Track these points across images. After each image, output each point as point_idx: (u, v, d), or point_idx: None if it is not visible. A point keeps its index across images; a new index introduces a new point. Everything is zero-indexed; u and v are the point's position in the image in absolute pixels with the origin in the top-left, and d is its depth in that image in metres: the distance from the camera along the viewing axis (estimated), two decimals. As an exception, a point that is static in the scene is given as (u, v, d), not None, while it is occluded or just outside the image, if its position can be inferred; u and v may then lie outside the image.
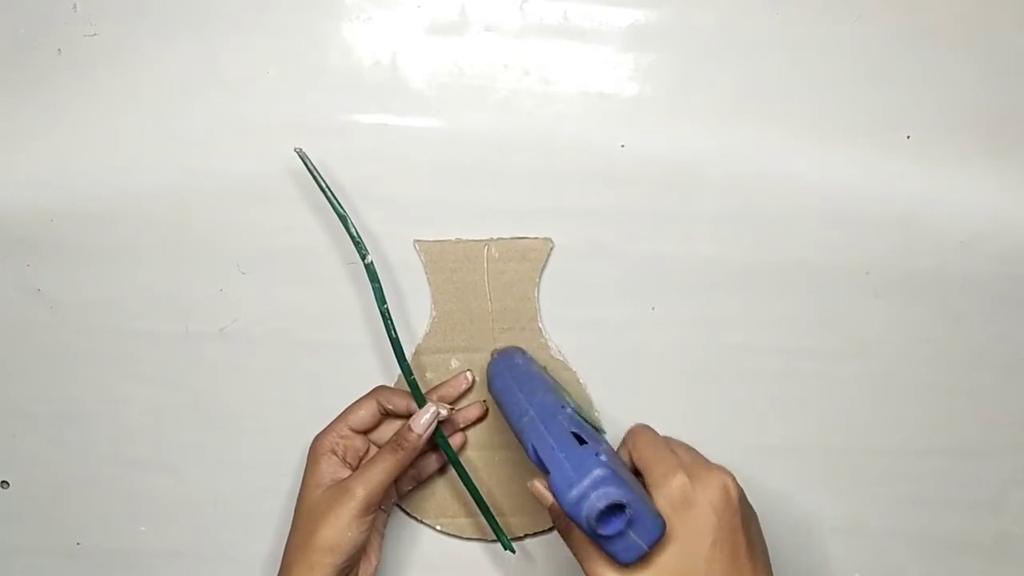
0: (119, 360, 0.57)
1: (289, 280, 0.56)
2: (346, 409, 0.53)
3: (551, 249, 0.56)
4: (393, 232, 0.55)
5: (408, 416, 0.52)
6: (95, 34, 0.54)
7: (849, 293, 0.56)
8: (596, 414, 0.57)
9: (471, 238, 0.56)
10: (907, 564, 0.59)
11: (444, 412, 0.52)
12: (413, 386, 0.52)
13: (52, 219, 0.55)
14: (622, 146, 0.55)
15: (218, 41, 0.54)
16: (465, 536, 0.58)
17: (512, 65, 0.55)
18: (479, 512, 0.55)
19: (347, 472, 0.51)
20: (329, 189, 0.51)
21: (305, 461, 0.52)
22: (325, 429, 0.53)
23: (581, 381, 0.57)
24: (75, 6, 0.54)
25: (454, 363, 0.57)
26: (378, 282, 0.51)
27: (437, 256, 0.56)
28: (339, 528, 0.49)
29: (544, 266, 0.56)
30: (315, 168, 0.51)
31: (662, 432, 0.57)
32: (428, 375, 0.57)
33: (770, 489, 0.58)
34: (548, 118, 0.55)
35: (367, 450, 0.54)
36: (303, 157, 0.51)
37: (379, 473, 0.50)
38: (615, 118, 0.55)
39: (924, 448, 0.58)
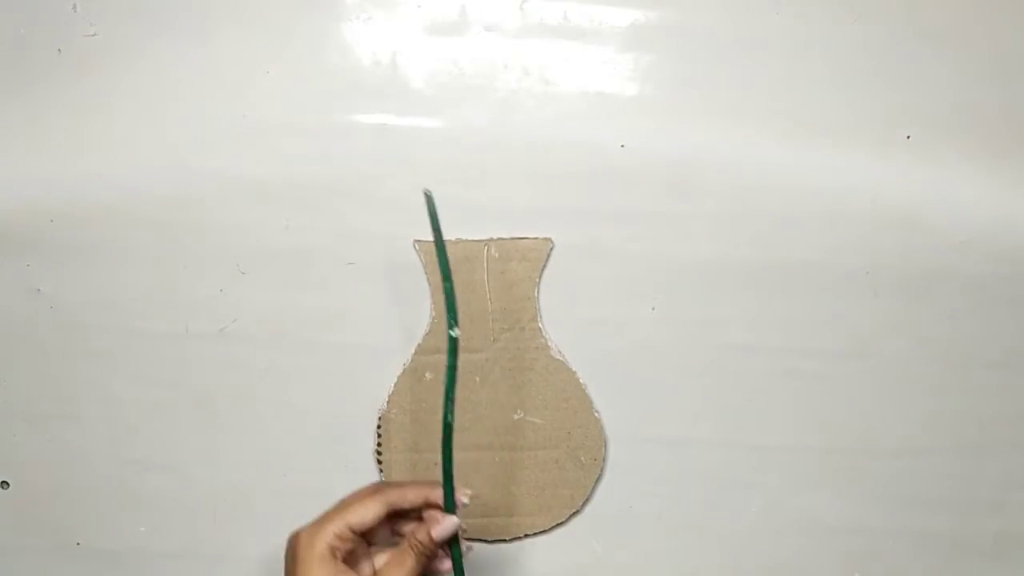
0: (119, 360, 0.57)
1: (289, 280, 0.56)
2: (343, 506, 0.47)
3: (551, 249, 0.56)
4: (393, 232, 0.55)
5: (416, 510, 0.49)
6: (95, 34, 0.54)
7: (849, 293, 0.56)
8: (596, 414, 0.57)
9: (471, 238, 0.56)
10: (907, 564, 0.59)
11: (463, 527, 0.48)
12: (447, 480, 0.48)
13: (52, 219, 0.55)
14: (622, 146, 0.55)
15: (218, 41, 0.54)
16: (464, 536, 0.58)
17: (512, 65, 0.55)
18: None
19: None
20: (442, 246, 0.47)
21: (289, 553, 0.47)
22: (316, 526, 0.47)
23: (581, 381, 0.57)
24: (75, 6, 0.54)
25: None
26: (455, 357, 0.47)
27: (435, 256, 0.55)
28: None
29: (544, 266, 0.56)
30: (436, 219, 0.47)
31: (664, 432, 0.57)
32: (428, 375, 0.57)
33: (770, 489, 0.59)
34: (548, 118, 0.55)
35: (365, 552, 0.49)
36: (430, 200, 0.47)
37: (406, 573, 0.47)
38: (615, 118, 0.55)
39: (924, 448, 0.58)
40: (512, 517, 0.58)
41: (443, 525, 0.47)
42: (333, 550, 0.46)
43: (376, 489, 0.48)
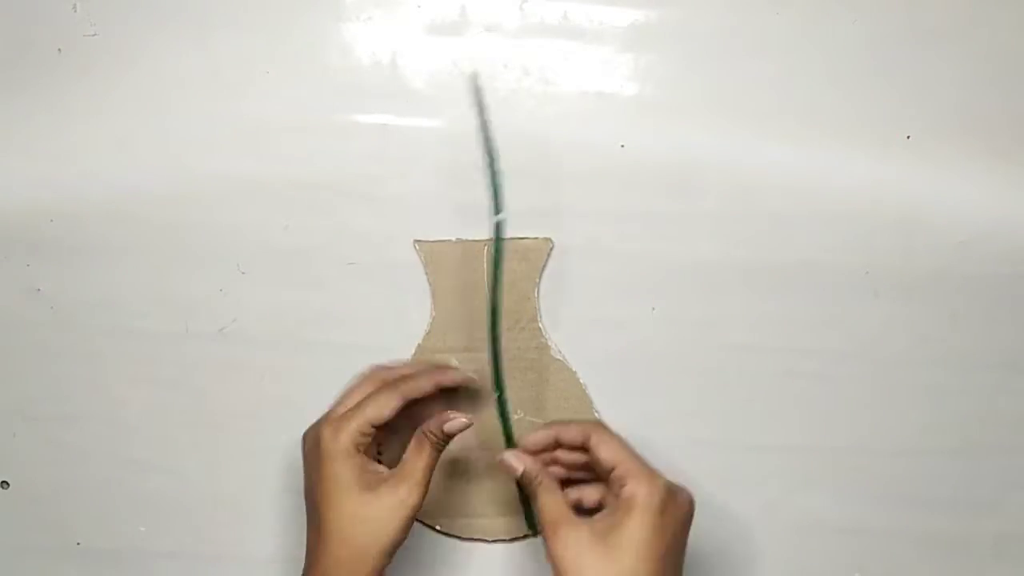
0: (119, 360, 0.57)
1: (289, 280, 0.56)
2: (362, 403, 0.50)
3: (551, 249, 0.56)
4: (393, 232, 0.55)
5: (428, 395, 0.51)
6: (95, 34, 0.54)
7: (849, 293, 0.56)
8: (596, 414, 0.57)
9: (471, 238, 0.55)
10: (907, 564, 0.59)
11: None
12: (496, 362, 0.52)
13: (52, 219, 0.55)
14: (622, 146, 0.55)
15: (218, 41, 0.54)
16: (465, 536, 0.58)
17: (512, 65, 0.55)
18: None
19: (379, 471, 0.50)
20: (489, 135, 0.50)
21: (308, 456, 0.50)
22: (338, 422, 0.49)
23: (581, 381, 0.57)
24: (75, 6, 0.54)
25: (454, 362, 0.57)
26: (501, 241, 0.51)
27: (437, 256, 0.56)
28: (397, 531, 0.48)
29: (544, 266, 0.56)
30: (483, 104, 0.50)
31: (664, 432, 0.57)
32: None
33: (770, 489, 0.59)
34: (548, 118, 0.55)
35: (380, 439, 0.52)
36: (478, 87, 0.50)
37: (427, 472, 0.49)
38: (615, 118, 0.55)
39: (924, 448, 0.58)
40: (514, 516, 0.58)
41: (458, 421, 0.50)
42: (357, 445, 0.49)
43: (388, 383, 0.51)
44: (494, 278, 0.52)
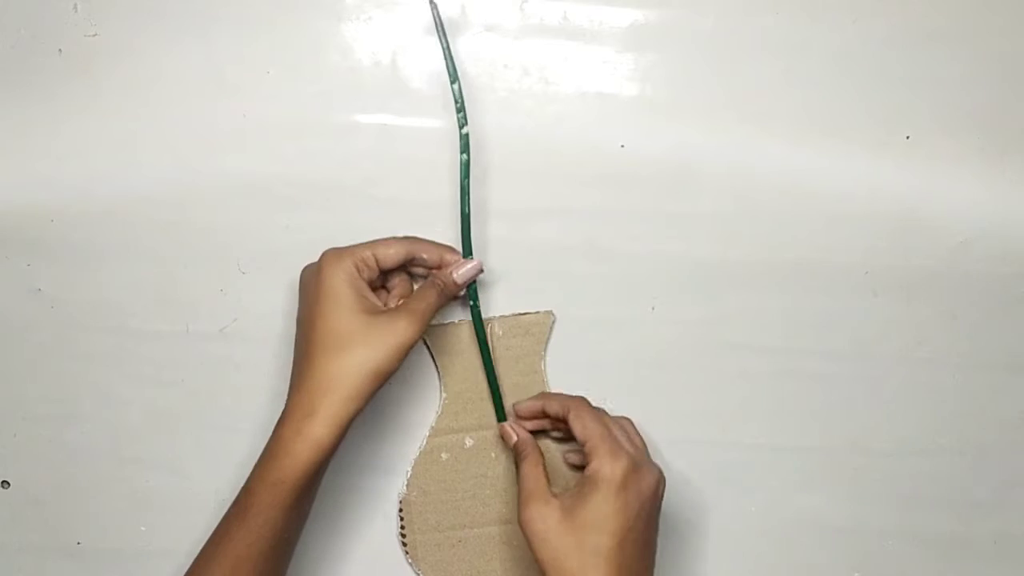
0: (119, 360, 0.57)
1: (289, 280, 0.56)
2: (373, 241, 0.51)
3: (553, 322, 0.56)
4: (393, 232, 0.55)
5: (436, 268, 0.52)
6: (96, 34, 0.54)
7: (849, 293, 0.56)
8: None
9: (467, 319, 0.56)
10: (907, 564, 0.59)
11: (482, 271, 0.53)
12: (466, 228, 0.53)
13: (52, 219, 0.55)
14: (622, 146, 0.55)
15: (218, 41, 0.54)
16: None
17: (512, 65, 0.55)
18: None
19: (376, 301, 0.50)
20: (448, 46, 0.51)
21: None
22: (346, 249, 0.50)
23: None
24: (75, 6, 0.54)
25: (468, 442, 0.57)
26: (467, 153, 0.52)
27: (441, 340, 0.56)
28: (390, 357, 0.48)
29: (548, 339, 0.56)
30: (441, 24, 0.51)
31: (664, 432, 0.57)
32: (444, 456, 0.57)
33: (770, 489, 0.59)
34: (548, 118, 0.55)
35: (381, 285, 0.53)
36: (434, 8, 0.51)
37: (429, 312, 0.50)
38: (615, 118, 0.55)
39: (924, 448, 0.58)
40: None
41: (466, 267, 0.52)
42: (359, 270, 0.49)
43: (404, 238, 0.52)
44: (464, 174, 0.53)
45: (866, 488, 0.59)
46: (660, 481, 0.50)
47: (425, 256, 0.52)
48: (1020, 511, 0.59)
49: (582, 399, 0.53)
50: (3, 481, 0.59)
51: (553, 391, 0.57)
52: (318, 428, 0.47)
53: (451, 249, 0.53)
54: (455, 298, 0.54)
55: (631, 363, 0.57)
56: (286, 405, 0.49)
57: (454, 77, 0.52)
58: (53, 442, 0.58)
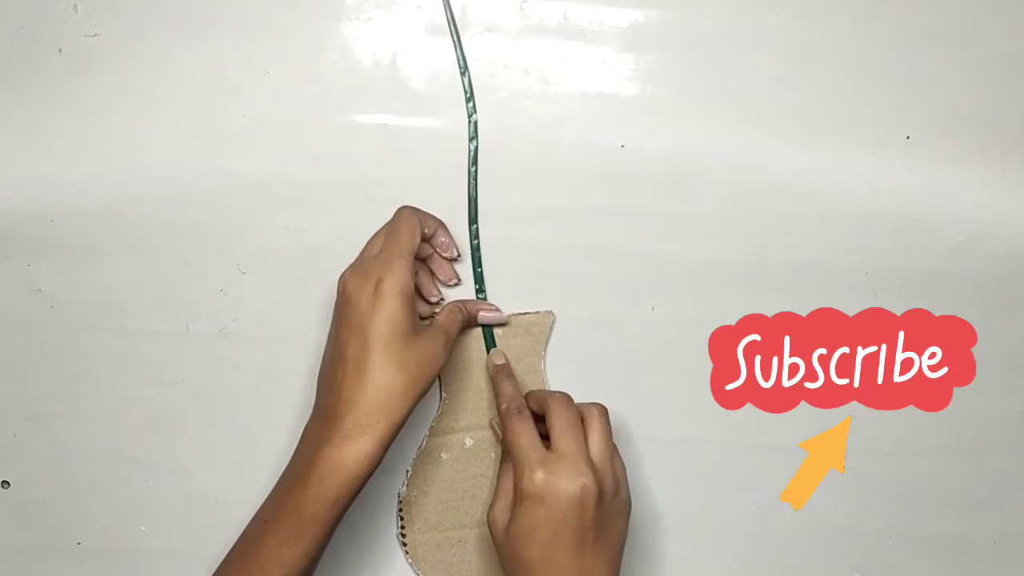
0: (119, 360, 0.57)
1: (289, 280, 0.56)
2: (401, 254, 0.50)
3: (553, 322, 0.56)
4: (393, 232, 0.55)
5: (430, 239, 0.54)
6: (96, 34, 0.54)
7: (849, 293, 0.56)
8: None
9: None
10: (907, 564, 0.59)
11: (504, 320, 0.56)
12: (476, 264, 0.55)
13: (52, 219, 0.55)
14: (622, 146, 0.55)
15: (218, 41, 0.54)
16: None
17: (512, 65, 0.55)
18: None
19: (419, 318, 0.51)
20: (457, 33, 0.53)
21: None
22: (403, 267, 0.49)
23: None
24: (75, 6, 0.54)
25: (468, 442, 0.57)
26: (476, 141, 0.54)
27: None
28: (431, 378, 0.49)
29: (548, 339, 0.56)
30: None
31: (664, 432, 0.57)
32: (443, 456, 0.57)
33: (770, 488, 0.58)
34: (548, 118, 0.55)
35: None
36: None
37: (454, 340, 0.52)
38: (615, 118, 0.55)
39: (924, 448, 0.58)
40: None
41: (492, 314, 0.55)
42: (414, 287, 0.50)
43: (416, 263, 0.52)
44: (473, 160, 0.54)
45: (866, 488, 0.59)
46: (585, 488, 0.47)
47: (427, 230, 0.53)
48: (1020, 511, 0.59)
49: (561, 396, 0.52)
50: (3, 481, 0.59)
51: (550, 391, 0.57)
52: (372, 447, 0.47)
53: (440, 223, 0.54)
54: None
55: (631, 363, 0.57)
56: (331, 418, 0.48)
57: (464, 68, 0.53)
58: (53, 442, 0.58)
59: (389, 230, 0.51)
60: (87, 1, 0.54)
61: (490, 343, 0.56)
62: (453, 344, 0.51)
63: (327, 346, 0.50)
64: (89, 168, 0.55)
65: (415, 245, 0.50)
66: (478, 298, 0.56)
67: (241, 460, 0.58)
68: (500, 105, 0.55)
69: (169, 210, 0.55)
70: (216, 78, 0.54)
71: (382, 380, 0.47)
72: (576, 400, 0.52)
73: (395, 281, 0.48)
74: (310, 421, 0.50)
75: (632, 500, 0.51)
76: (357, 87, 0.54)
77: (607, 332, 0.57)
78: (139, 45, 0.54)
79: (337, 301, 0.50)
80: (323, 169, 0.55)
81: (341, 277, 0.50)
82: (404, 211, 0.52)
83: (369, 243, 0.52)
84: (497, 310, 0.55)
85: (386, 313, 0.48)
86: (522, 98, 0.55)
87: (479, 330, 0.56)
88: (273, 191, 0.55)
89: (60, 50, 0.54)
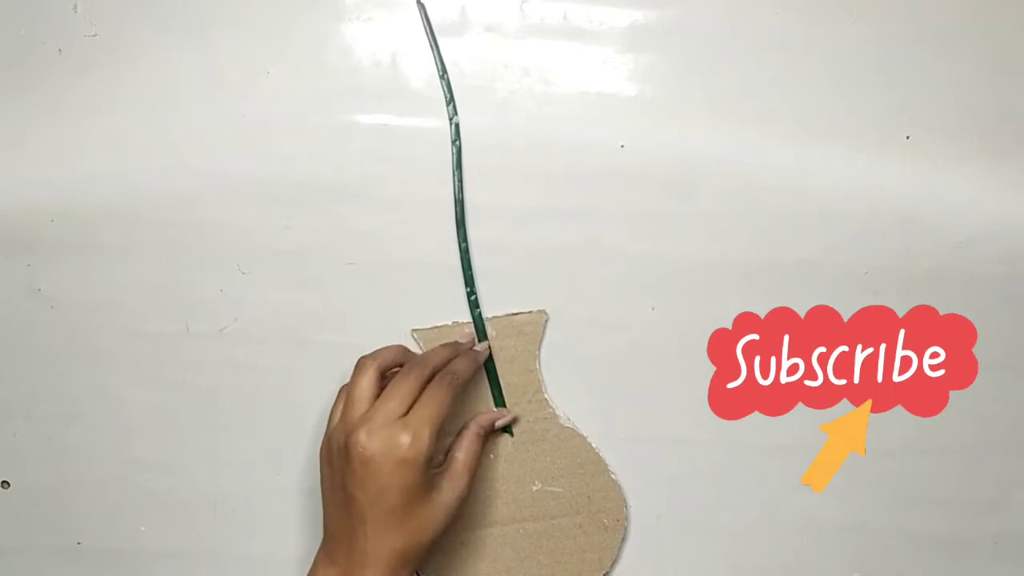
0: (119, 360, 0.57)
1: (289, 280, 0.56)
2: (424, 404, 0.49)
3: (546, 321, 0.56)
4: (393, 232, 0.55)
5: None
6: (95, 34, 0.54)
7: (849, 293, 0.56)
8: (612, 476, 0.57)
9: (465, 320, 0.56)
10: (907, 564, 0.59)
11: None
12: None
13: (52, 219, 0.55)
14: (622, 146, 0.55)
15: (218, 41, 0.54)
16: None
17: (512, 65, 0.55)
18: None
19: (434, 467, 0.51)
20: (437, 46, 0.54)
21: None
22: (416, 426, 0.48)
23: (593, 445, 0.57)
24: (75, 6, 0.54)
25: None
26: (459, 140, 0.54)
27: (436, 342, 0.56)
28: (449, 520, 0.51)
29: (541, 339, 0.56)
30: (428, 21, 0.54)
31: (664, 432, 0.57)
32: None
33: (770, 488, 0.58)
34: (548, 118, 0.55)
35: None
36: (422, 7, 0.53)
37: (476, 462, 0.53)
38: (615, 118, 0.55)
39: (924, 448, 0.58)
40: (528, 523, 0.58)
41: (506, 419, 0.56)
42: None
43: (441, 376, 0.51)
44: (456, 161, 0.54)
45: (866, 488, 0.59)
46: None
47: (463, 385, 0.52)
48: (1020, 511, 0.59)
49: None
50: (3, 481, 0.59)
51: (548, 392, 0.57)
52: None
53: (455, 346, 0.54)
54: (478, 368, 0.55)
55: (631, 363, 0.57)
56: (349, 571, 0.49)
57: (442, 71, 0.53)
58: (53, 442, 0.58)
59: (409, 388, 0.50)
60: (87, 1, 0.54)
61: (482, 339, 0.56)
62: (476, 468, 0.52)
63: (336, 494, 0.50)
64: (89, 168, 0.55)
65: (445, 414, 0.50)
66: (469, 300, 0.55)
67: (241, 460, 0.58)
68: (500, 105, 0.55)
69: (169, 210, 0.55)
70: (216, 78, 0.54)
71: (400, 543, 0.48)
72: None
73: (422, 449, 0.48)
74: (323, 563, 0.50)
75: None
76: (357, 87, 0.55)
77: (607, 332, 0.57)
78: (139, 45, 0.54)
79: (352, 454, 0.48)
80: (323, 169, 0.55)
81: (356, 432, 0.48)
82: (431, 376, 0.51)
83: (387, 394, 0.50)
84: (507, 413, 0.56)
85: (402, 485, 0.48)
86: (522, 98, 0.55)
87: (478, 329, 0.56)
88: (273, 191, 0.55)
89: (60, 50, 0.54)
